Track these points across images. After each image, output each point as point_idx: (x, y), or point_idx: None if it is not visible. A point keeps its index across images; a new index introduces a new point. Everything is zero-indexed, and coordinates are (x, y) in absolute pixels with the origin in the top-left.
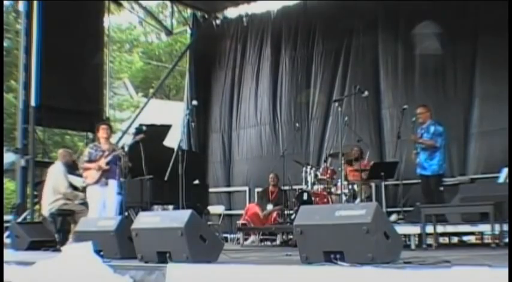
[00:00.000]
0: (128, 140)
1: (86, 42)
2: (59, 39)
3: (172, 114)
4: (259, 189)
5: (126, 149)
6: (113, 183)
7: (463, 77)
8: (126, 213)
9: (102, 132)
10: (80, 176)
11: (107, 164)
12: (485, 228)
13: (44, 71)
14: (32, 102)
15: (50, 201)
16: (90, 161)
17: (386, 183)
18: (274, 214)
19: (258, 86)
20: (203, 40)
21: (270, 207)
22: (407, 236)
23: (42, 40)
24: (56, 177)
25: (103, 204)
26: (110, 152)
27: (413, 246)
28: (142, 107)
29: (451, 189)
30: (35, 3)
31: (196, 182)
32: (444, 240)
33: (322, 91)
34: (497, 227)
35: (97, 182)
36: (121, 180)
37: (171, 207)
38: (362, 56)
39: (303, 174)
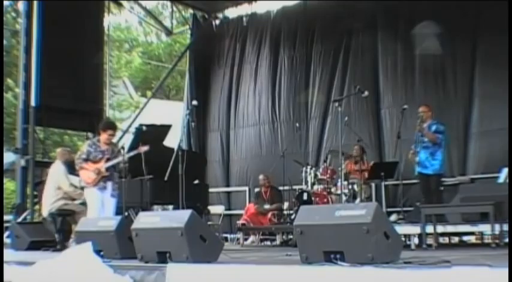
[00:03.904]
0: (127, 139)
1: (86, 42)
2: (59, 39)
3: (172, 114)
4: (257, 190)
5: (125, 155)
6: (110, 185)
7: (463, 77)
8: (126, 213)
9: (104, 138)
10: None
11: (107, 169)
12: (485, 228)
13: (44, 71)
14: (32, 102)
15: (51, 201)
16: (87, 159)
17: (387, 183)
18: (269, 215)
19: (256, 85)
20: (203, 40)
21: (267, 206)
22: (407, 236)
23: (42, 40)
24: (57, 177)
25: (101, 206)
26: (110, 154)
27: (413, 246)
28: (142, 107)
29: (451, 189)
30: (35, 3)
31: (196, 181)
32: (444, 240)
33: (321, 91)
34: (497, 227)
35: (95, 185)
36: (116, 181)
37: (171, 207)
38: (361, 55)
39: (303, 174)
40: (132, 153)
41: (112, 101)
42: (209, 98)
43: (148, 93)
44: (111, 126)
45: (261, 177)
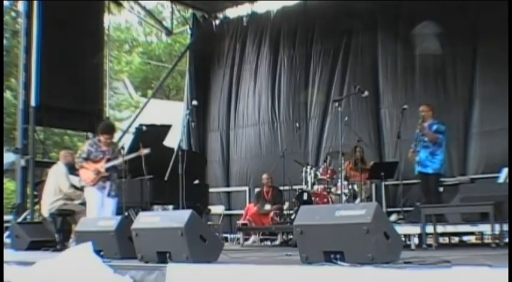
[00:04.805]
0: (127, 139)
1: (86, 42)
2: (59, 39)
3: (172, 114)
4: (257, 189)
5: (125, 157)
6: (108, 186)
7: (463, 77)
8: (126, 213)
9: (104, 140)
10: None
11: (107, 169)
12: (485, 228)
13: (44, 71)
14: (32, 102)
15: (50, 201)
16: (87, 159)
17: (387, 183)
18: (272, 214)
19: (256, 85)
20: (203, 40)
21: (268, 207)
22: (407, 236)
23: (42, 40)
24: (57, 178)
25: (101, 206)
26: (111, 154)
27: (413, 246)
28: (142, 107)
29: (451, 189)
30: (35, 3)
31: (196, 181)
32: (444, 240)
33: (321, 90)
34: (497, 227)
35: (95, 185)
36: (116, 182)
37: (171, 207)
38: (361, 55)
39: (303, 174)
40: (132, 155)
41: (112, 101)
42: (209, 98)
43: (149, 93)
44: (107, 130)
45: (264, 176)
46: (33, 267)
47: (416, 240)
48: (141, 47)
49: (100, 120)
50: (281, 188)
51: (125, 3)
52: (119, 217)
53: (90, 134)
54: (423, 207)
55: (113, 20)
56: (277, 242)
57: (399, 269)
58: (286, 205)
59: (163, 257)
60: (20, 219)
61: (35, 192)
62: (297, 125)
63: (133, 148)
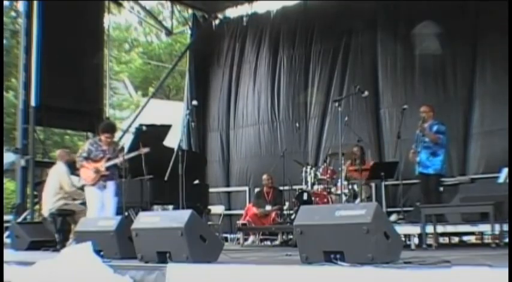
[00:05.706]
0: (127, 139)
1: (86, 42)
2: (59, 39)
3: (172, 114)
4: (257, 189)
5: (125, 156)
6: (111, 185)
7: (463, 77)
8: (126, 213)
9: (104, 139)
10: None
11: (106, 168)
12: (485, 228)
13: (44, 71)
14: (32, 102)
15: (51, 201)
16: (88, 158)
17: (387, 183)
18: (273, 214)
19: (256, 84)
20: (203, 40)
21: (268, 208)
22: (407, 236)
23: (42, 40)
24: (59, 177)
25: (101, 205)
26: (111, 153)
27: (413, 246)
28: (142, 107)
29: (451, 189)
30: (35, 3)
31: (196, 181)
32: (444, 240)
33: (320, 90)
34: (497, 227)
35: (95, 184)
36: (118, 181)
37: (171, 207)
38: (361, 55)
39: (303, 174)
40: (132, 154)
41: (112, 101)
42: (209, 98)
43: (149, 93)
44: (108, 129)
45: (264, 176)
46: (33, 267)
47: (416, 240)
48: (141, 47)
49: (100, 120)
50: (281, 188)
51: (125, 3)
52: (119, 217)
53: (90, 134)
54: (423, 207)
55: (112, 20)
56: (277, 242)
57: (399, 269)
58: (286, 205)
59: (163, 257)
60: (20, 219)
61: (35, 192)
62: (297, 125)
63: (133, 148)
